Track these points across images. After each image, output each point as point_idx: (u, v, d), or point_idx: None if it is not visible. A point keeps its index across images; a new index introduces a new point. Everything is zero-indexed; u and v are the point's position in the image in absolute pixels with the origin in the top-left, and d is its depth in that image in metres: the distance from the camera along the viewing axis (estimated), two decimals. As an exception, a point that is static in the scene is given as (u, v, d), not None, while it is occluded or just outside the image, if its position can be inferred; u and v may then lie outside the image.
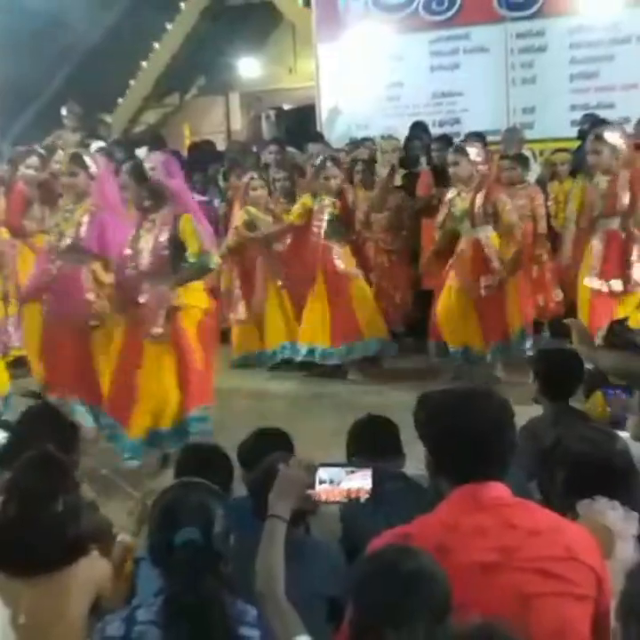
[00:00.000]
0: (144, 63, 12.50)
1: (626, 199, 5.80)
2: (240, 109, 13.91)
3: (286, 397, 6.69)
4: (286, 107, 13.51)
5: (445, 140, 8.16)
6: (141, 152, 5.45)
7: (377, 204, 7.28)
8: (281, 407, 6.41)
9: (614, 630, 1.86)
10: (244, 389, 6.90)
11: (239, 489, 3.26)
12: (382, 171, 7.53)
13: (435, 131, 9.14)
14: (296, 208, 6.94)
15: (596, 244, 5.95)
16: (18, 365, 6.27)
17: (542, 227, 7.22)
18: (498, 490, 2.20)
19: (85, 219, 5.40)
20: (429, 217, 7.13)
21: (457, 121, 9.75)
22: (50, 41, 11.15)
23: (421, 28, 9.87)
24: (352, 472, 2.39)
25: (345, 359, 6.89)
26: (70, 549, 2.68)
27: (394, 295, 7.54)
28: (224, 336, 7.62)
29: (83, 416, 5.28)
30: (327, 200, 6.78)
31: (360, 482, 2.38)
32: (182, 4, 12.12)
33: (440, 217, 6.65)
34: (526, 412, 3.57)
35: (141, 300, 5.00)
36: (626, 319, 3.97)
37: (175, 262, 5.01)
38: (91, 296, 5.39)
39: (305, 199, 6.90)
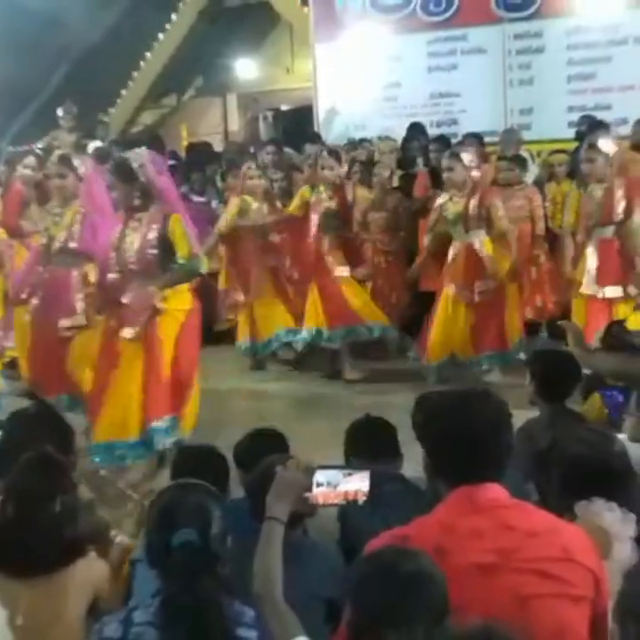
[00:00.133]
0: (142, 64, 12.50)
1: (620, 208, 5.81)
2: (237, 110, 13.90)
3: (284, 398, 6.68)
4: (284, 107, 13.52)
5: (443, 140, 8.17)
6: (141, 152, 5.42)
7: (377, 204, 7.31)
8: (279, 408, 6.41)
9: (612, 631, 1.87)
10: (243, 390, 6.90)
11: (235, 490, 3.26)
12: (381, 171, 7.54)
13: (432, 131, 9.13)
14: (294, 200, 6.92)
15: (590, 252, 5.97)
16: (15, 366, 6.26)
17: (540, 228, 7.23)
18: (495, 491, 2.20)
19: (77, 221, 5.38)
20: (426, 218, 7.12)
21: (454, 122, 9.77)
22: (48, 40, 11.15)
23: (419, 29, 9.88)
24: (349, 474, 2.37)
25: (346, 340, 6.83)
26: (68, 550, 2.68)
27: (390, 296, 7.53)
28: (224, 336, 7.62)
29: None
30: (324, 193, 6.75)
31: (357, 484, 2.36)
32: (180, 5, 12.12)
33: (430, 222, 6.64)
34: (523, 415, 3.57)
35: (124, 300, 4.93)
36: (624, 321, 3.98)
37: (164, 262, 4.94)
38: (80, 300, 5.36)
39: (303, 191, 6.89)
